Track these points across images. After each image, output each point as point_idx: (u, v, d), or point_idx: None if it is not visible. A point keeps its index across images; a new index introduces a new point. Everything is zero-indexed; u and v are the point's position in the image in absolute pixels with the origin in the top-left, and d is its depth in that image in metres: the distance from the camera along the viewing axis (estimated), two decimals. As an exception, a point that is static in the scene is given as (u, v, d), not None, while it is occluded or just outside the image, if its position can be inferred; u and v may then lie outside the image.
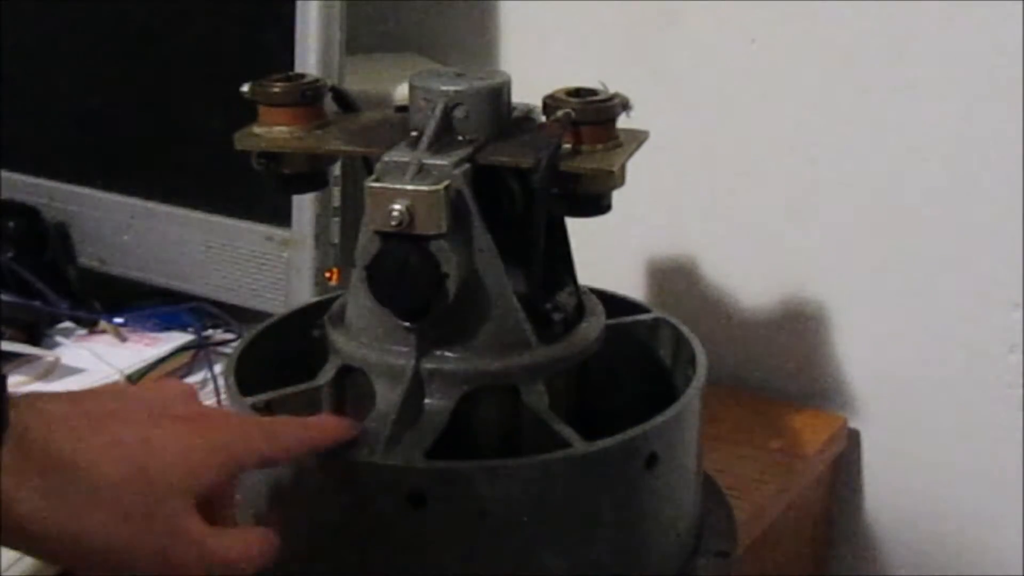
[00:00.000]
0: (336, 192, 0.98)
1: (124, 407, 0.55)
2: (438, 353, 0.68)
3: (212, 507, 0.57)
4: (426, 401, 0.68)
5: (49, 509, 0.50)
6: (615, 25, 1.09)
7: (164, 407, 0.57)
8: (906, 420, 1.06)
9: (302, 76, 0.75)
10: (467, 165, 0.67)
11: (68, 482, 0.50)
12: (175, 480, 0.53)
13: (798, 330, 1.08)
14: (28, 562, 0.74)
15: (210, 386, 0.99)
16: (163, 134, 1.08)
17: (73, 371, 1.00)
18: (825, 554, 1.12)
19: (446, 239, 0.64)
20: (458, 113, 0.69)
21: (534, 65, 1.10)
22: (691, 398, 0.71)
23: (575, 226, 0.74)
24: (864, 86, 1.00)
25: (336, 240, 0.99)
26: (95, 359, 1.02)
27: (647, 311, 0.82)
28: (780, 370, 1.09)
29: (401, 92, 0.91)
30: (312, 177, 0.75)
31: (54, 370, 1.00)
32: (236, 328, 1.05)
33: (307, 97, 0.73)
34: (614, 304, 0.79)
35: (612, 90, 0.70)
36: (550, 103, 0.70)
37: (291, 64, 0.95)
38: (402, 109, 0.74)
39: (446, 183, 0.64)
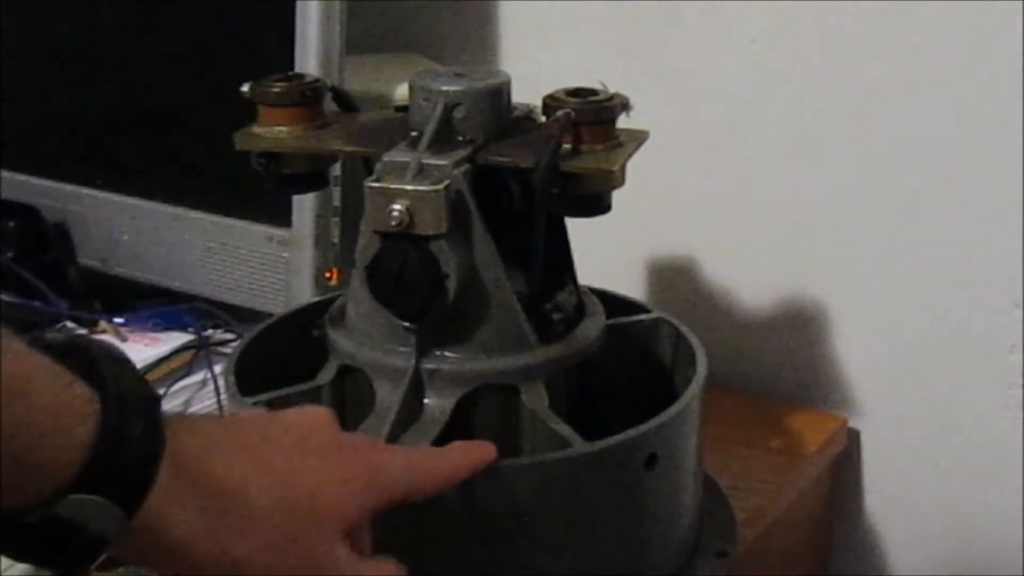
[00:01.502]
0: (336, 192, 0.98)
1: (272, 435, 0.54)
2: (438, 353, 0.68)
3: (352, 537, 0.56)
4: (426, 401, 0.68)
5: (201, 531, 0.49)
6: (615, 24, 1.09)
7: (309, 435, 0.55)
8: (906, 420, 1.05)
9: (302, 76, 0.76)
10: (467, 165, 0.67)
11: (220, 505, 0.49)
12: (323, 509, 0.53)
13: (798, 330, 1.08)
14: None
15: (210, 386, 0.99)
16: (163, 134, 1.08)
17: (73, 371, 1.00)
18: (825, 554, 1.12)
19: (446, 239, 0.64)
20: (458, 113, 0.69)
21: (534, 65, 1.11)
22: (691, 398, 0.71)
23: (575, 226, 0.74)
24: (864, 86, 0.99)
25: (336, 240, 0.99)
26: (95, 359, 1.02)
27: (647, 311, 0.82)
28: (780, 370, 1.09)
29: (401, 92, 0.91)
30: (312, 177, 0.75)
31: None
32: (236, 328, 1.05)
33: (307, 97, 0.73)
34: (614, 304, 0.79)
35: (612, 90, 0.70)
36: (550, 103, 0.70)
37: (291, 64, 0.95)
38: (402, 109, 0.74)
39: (446, 183, 0.64)
